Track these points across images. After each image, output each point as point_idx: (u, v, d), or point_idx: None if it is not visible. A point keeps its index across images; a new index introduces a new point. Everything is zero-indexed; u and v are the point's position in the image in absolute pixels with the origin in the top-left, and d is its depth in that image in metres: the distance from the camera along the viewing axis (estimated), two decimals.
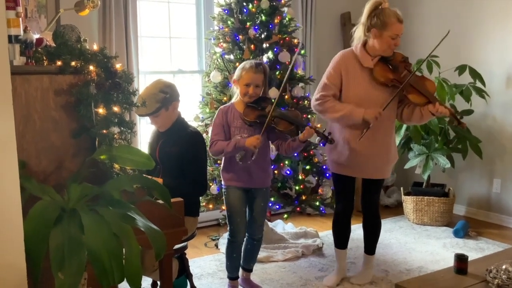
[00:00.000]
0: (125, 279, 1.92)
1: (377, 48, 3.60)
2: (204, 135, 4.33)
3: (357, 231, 4.87)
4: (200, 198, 4.11)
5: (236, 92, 3.67)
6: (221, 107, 3.72)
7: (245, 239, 3.78)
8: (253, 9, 4.52)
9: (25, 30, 2.37)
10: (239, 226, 3.67)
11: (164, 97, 3.27)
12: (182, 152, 3.28)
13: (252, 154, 3.49)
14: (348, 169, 3.80)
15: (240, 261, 3.85)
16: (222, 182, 3.72)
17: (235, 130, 3.58)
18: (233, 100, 3.72)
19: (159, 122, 3.39)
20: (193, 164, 3.28)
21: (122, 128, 2.48)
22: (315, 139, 4.69)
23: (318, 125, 4.45)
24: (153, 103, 3.22)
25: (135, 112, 2.95)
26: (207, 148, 3.61)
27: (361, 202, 4.02)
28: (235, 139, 3.51)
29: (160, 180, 3.12)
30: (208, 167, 4.40)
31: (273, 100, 3.64)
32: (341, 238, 4.04)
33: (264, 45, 4.53)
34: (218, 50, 4.64)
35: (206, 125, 4.58)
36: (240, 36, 4.52)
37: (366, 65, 3.62)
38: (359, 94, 3.62)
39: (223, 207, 4.24)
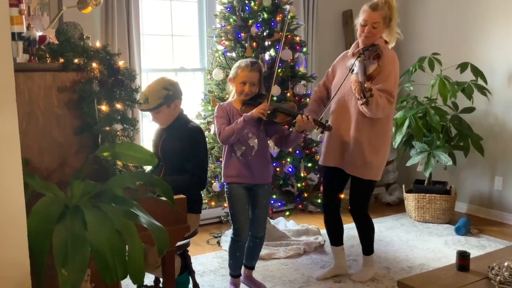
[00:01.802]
0: (128, 276, 1.93)
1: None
2: (206, 132, 4.34)
3: None
4: (202, 195, 4.11)
5: (233, 91, 3.70)
6: (220, 104, 3.75)
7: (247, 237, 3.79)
8: (255, 7, 4.52)
9: (28, 27, 2.38)
10: (243, 224, 3.68)
11: (167, 94, 3.29)
12: (182, 147, 3.29)
13: (252, 149, 3.53)
14: (327, 157, 3.88)
15: (243, 259, 3.86)
16: (223, 180, 3.72)
17: None
18: (230, 99, 3.75)
19: (160, 118, 3.40)
20: (192, 158, 3.30)
21: (125, 125, 2.49)
22: (317, 136, 4.73)
23: None
24: (155, 99, 3.25)
25: (138, 107, 2.97)
26: (217, 138, 3.60)
27: None
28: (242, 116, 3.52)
29: None
30: (210, 164, 4.41)
31: (268, 96, 3.69)
32: (332, 234, 4.08)
33: (266, 43, 4.54)
34: (220, 47, 4.64)
35: (208, 123, 4.59)
36: (242, 34, 4.52)
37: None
38: None
39: (225, 205, 4.25)
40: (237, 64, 3.65)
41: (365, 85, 3.40)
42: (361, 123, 3.70)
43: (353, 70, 3.60)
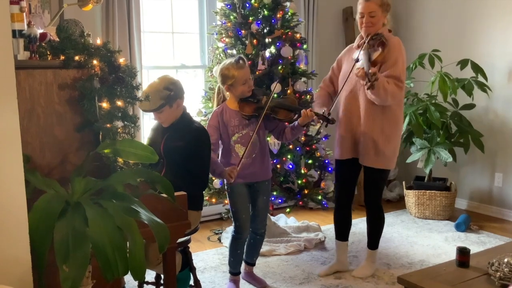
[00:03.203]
0: (129, 272, 1.94)
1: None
2: None
3: (359, 225, 4.89)
4: (203, 192, 4.12)
5: (216, 97, 3.73)
6: (215, 109, 3.71)
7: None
8: (256, 4, 4.52)
9: (29, 25, 2.38)
10: (245, 222, 3.69)
11: (168, 94, 3.25)
12: (186, 147, 3.28)
13: (254, 149, 3.54)
14: (342, 150, 3.89)
15: (243, 256, 3.87)
16: (225, 180, 3.73)
17: (234, 129, 3.59)
18: (215, 106, 3.75)
19: (162, 118, 3.39)
20: (195, 159, 3.29)
21: (126, 122, 2.50)
22: (315, 133, 4.74)
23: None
24: (157, 100, 3.21)
25: (139, 106, 2.96)
26: None
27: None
28: (218, 166, 3.53)
29: None
30: None
31: (265, 91, 3.70)
32: (340, 228, 4.09)
33: (267, 40, 4.53)
34: (221, 45, 4.65)
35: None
36: (243, 31, 4.52)
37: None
38: None
39: (226, 202, 4.26)
40: (225, 71, 3.54)
41: (370, 70, 3.45)
42: (372, 112, 3.71)
43: (358, 60, 3.61)
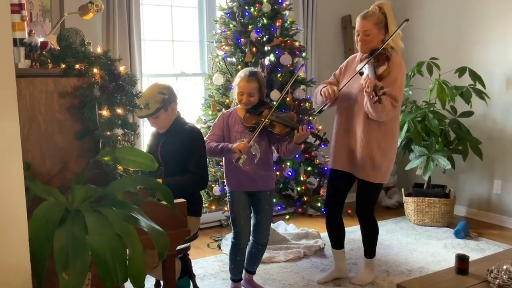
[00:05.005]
0: (128, 279, 1.94)
1: None
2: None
3: (359, 232, 4.88)
4: (203, 198, 4.14)
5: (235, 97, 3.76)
6: (224, 111, 3.79)
7: (250, 243, 3.80)
8: (255, 13, 4.55)
9: (30, 33, 2.40)
10: (243, 228, 3.70)
11: (163, 98, 3.34)
12: (182, 148, 3.35)
13: (255, 158, 3.55)
14: (335, 161, 3.89)
15: (243, 263, 3.87)
16: (226, 188, 3.75)
17: (236, 134, 3.63)
18: (233, 106, 3.80)
19: (159, 123, 3.45)
20: (192, 157, 3.35)
21: (126, 130, 2.51)
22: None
23: (320, 127, 4.50)
24: (153, 104, 3.30)
25: (136, 114, 2.98)
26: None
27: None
28: (223, 145, 3.57)
29: (159, 181, 3.15)
30: (211, 169, 4.44)
31: (271, 104, 3.72)
32: (333, 237, 4.09)
33: (266, 48, 4.56)
34: (220, 53, 4.67)
35: (209, 127, 4.61)
36: (242, 39, 4.55)
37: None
38: None
39: (226, 208, 4.27)
40: (239, 72, 3.71)
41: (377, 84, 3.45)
42: (368, 127, 3.70)
43: (362, 73, 3.61)
